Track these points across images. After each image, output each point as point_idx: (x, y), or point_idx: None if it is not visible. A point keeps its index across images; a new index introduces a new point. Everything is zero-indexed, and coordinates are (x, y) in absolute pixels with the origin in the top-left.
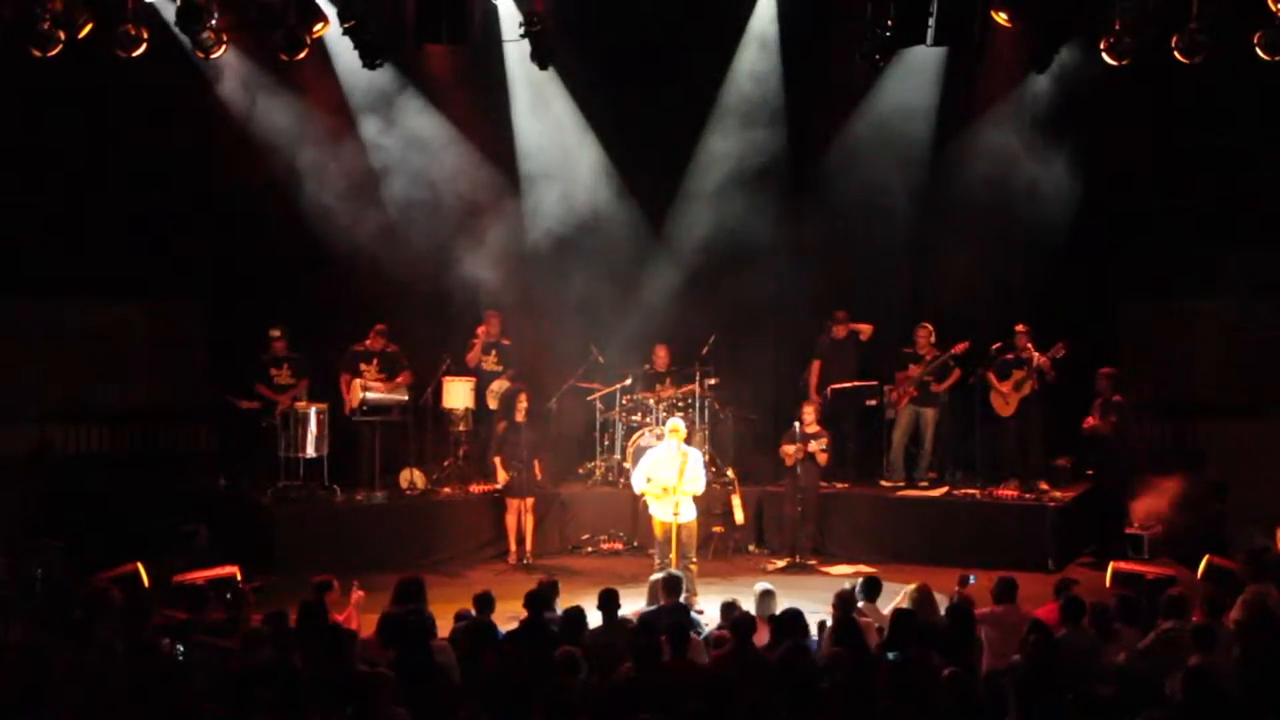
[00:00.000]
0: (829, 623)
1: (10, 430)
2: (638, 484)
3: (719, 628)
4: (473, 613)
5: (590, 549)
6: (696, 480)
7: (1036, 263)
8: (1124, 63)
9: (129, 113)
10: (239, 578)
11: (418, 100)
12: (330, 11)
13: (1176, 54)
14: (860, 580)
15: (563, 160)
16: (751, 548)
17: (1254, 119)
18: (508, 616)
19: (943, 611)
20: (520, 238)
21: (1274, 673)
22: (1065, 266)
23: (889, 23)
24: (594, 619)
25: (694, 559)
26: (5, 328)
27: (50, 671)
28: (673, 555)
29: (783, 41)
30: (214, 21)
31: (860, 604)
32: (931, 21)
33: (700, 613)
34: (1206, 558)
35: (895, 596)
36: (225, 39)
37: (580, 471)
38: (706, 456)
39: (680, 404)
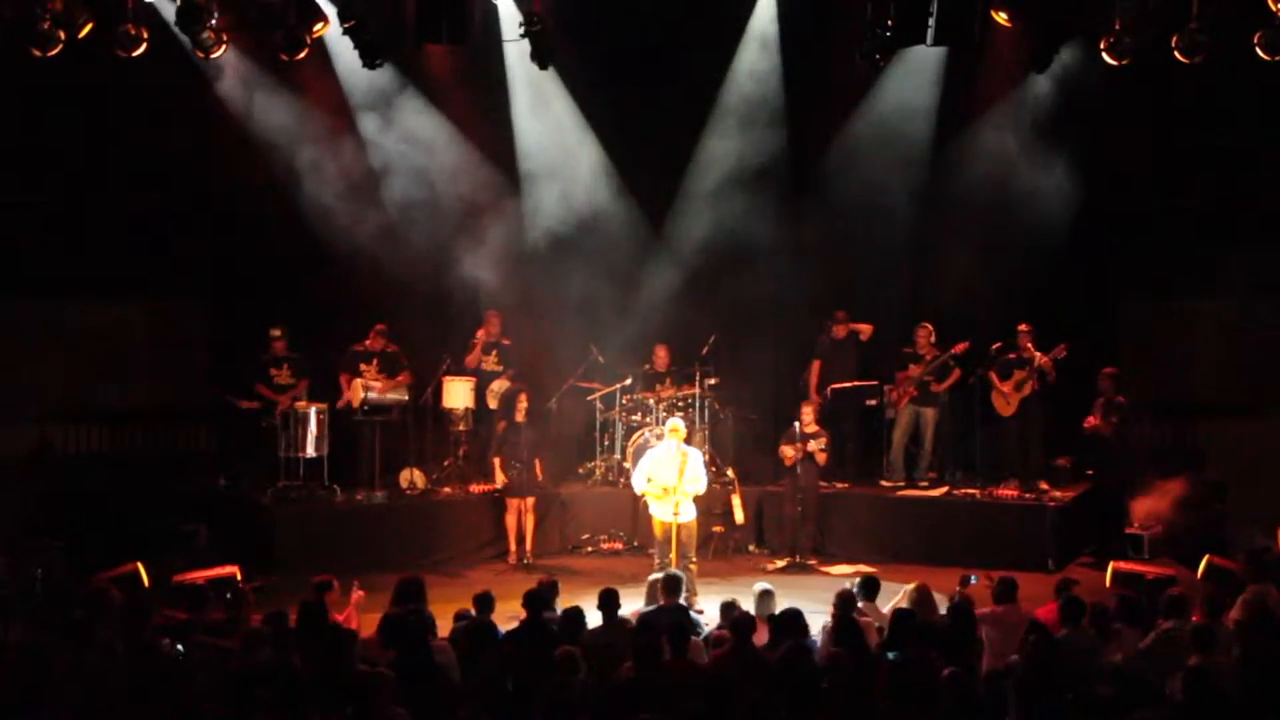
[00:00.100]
0: (828, 622)
1: (10, 430)
2: (638, 484)
3: (719, 628)
4: (473, 613)
5: (590, 549)
6: (697, 480)
7: (1036, 263)
8: (1124, 63)
9: (129, 113)
10: (239, 578)
11: (418, 100)
12: (330, 11)
13: (1176, 54)
14: (858, 580)
15: (563, 160)
16: (751, 548)
17: (1254, 119)
18: (508, 616)
19: (942, 611)
20: (520, 237)
21: (1274, 673)
22: (1065, 266)
23: (889, 23)
24: (594, 619)
25: (694, 559)
26: (5, 328)
27: (50, 671)
28: (673, 555)
29: (783, 41)
30: (214, 21)
31: (860, 604)
32: (931, 21)
33: (700, 613)
34: (1206, 558)
35: (894, 596)
36: (225, 39)
37: (580, 471)
38: (706, 456)
39: (680, 404)
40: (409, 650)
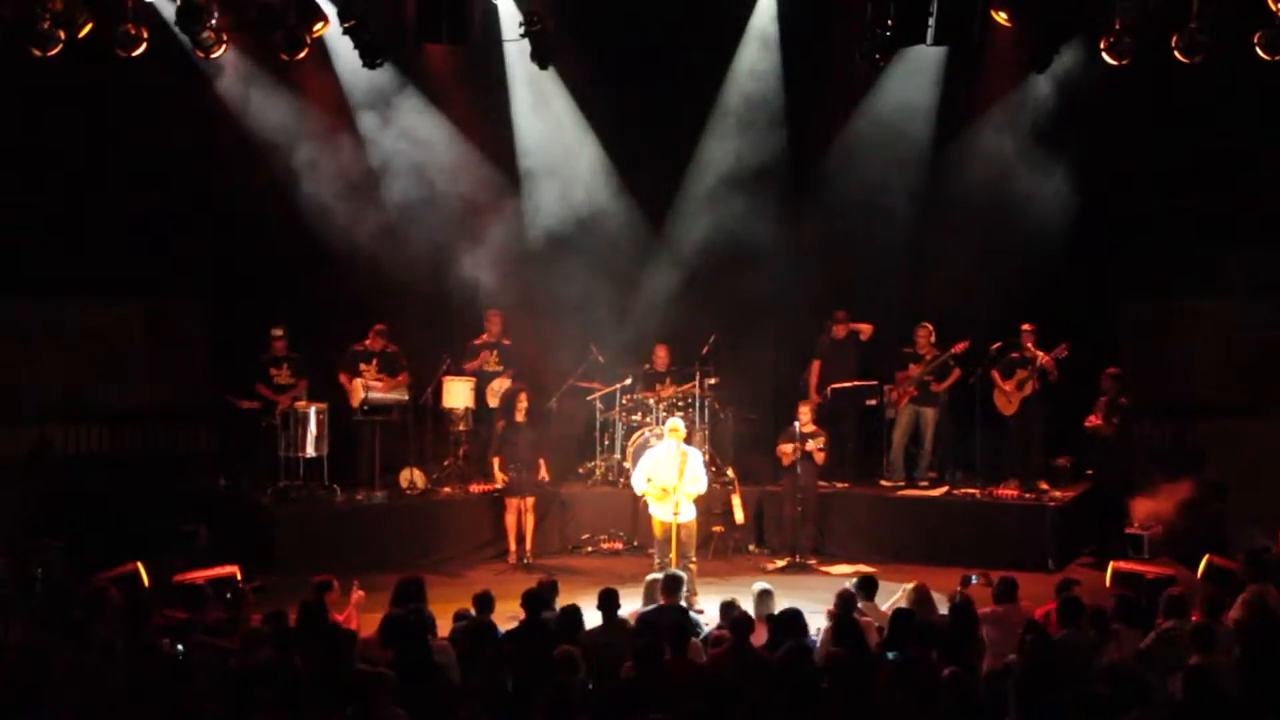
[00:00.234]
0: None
1: (10, 430)
2: (638, 485)
3: (718, 627)
4: (473, 613)
5: (590, 549)
6: (697, 480)
7: (1036, 262)
8: (1124, 63)
9: (129, 113)
10: (239, 578)
11: (418, 100)
12: (330, 11)
13: (1176, 54)
14: (856, 579)
15: (563, 160)
16: (751, 547)
17: (1254, 119)
18: (508, 616)
19: (941, 611)
20: (520, 237)
21: (1274, 673)
22: (1065, 266)
23: (889, 22)
24: (594, 619)
25: (694, 559)
26: (5, 328)
27: (50, 671)
28: (673, 555)
29: (783, 41)
30: (214, 21)
31: (860, 604)
32: (931, 21)
33: (700, 612)
34: (1206, 558)
35: (892, 596)
36: (225, 38)
37: (580, 471)
38: (706, 456)
39: (680, 404)
40: (409, 650)
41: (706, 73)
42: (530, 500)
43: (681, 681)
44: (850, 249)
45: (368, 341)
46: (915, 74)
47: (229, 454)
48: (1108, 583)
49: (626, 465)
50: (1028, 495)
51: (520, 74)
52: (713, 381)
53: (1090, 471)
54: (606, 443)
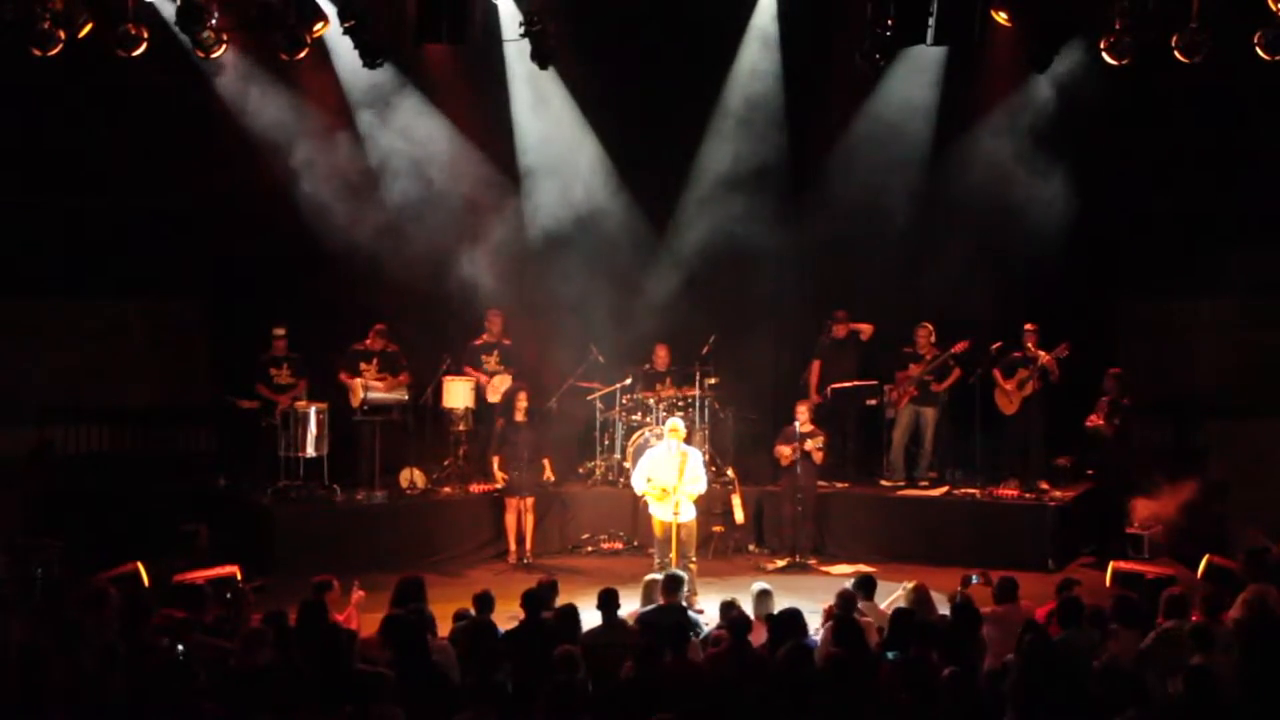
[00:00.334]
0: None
1: (10, 430)
2: (638, 485)
3: (718, 627)
4: (473, 613)
5: (590, 549)
6: (697, 480)
7: (1037, 262)
8: (1124, 63)
9: (129, 113)
10: (239, 578)
11: (418, 100)
12: (330, 11)
13: (1176, 54)
14: (854, 579)
15: (563, 160)
16: (751, 547)
17: (1254, 119)
18: (507, 616)
19: (940, 611)
20: (520, 237)
21: (1274, 673)
22: (1066, 266)
23: (889, 22)
24: (593, 619)
25: (694, 559)
26: (5, 328)
27: (50, 671)
28: (673, 555)
29: (783, 41)
30: (214, 21)
31: (860, 604)
32: (931, 21)
33: (700, 612)
34: (1206, 558)
35: (890, 595)
36: (225, 38)
37: (580, 471)
38: (706, 456)
39: (680, 404)
40: (409, 650)
41: (707, 72)
42: (530, 500)
43: (681, 681)
44: (850, 249)
45: (368, 341)
46: (915, 74)
47: (229, 454)
48: (1108, 583)
49: (626, 465)
50: (1028, 495)
51: (520, 74)
52: (713, 381)
53: (1090, 471)
54: (606, 443)
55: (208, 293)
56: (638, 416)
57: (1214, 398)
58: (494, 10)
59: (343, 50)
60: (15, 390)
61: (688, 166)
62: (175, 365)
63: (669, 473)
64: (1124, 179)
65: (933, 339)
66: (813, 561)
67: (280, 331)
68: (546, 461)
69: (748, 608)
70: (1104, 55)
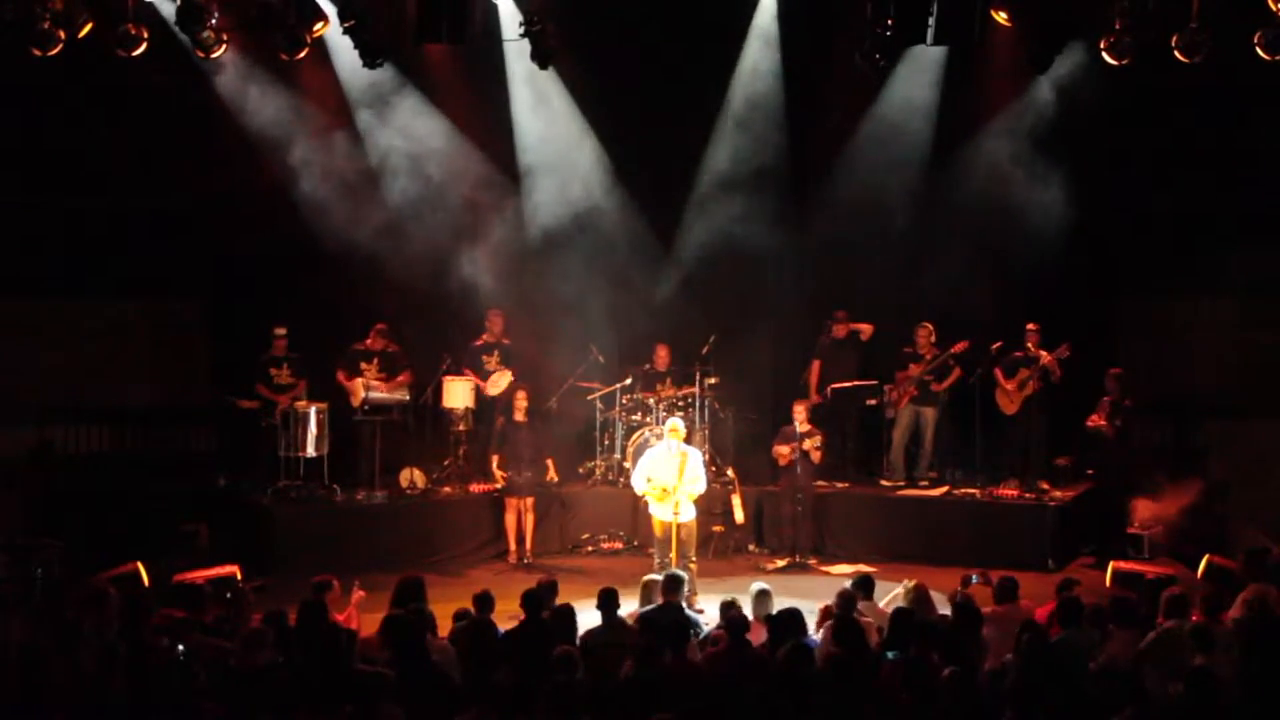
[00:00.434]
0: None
1: (10, 430)
2: (638, 485)
3: (718, 627)
4: (473, 613)
5: (590, 549)
6: (697, 480)
7: (1036, 262)
8: (1124, 62)
9: (129, 113)
10: (239, 578)
11: (418, 100)
12: (330, 11)
13: (1176, 54)
14: (853, 579)
15: (563, 159)
16: (751, 547)
17: (1254, 119)
18: (507, 616)
19: (940, 610)
20: (521, 237)
21: (1274, 673)
22: (1066, 266)
23: (889, 22)
24: (593, 619)
25: (694, 558)
26: (5, 328)
27: (50, 671)
28: (673, 555)
29: (784, 41)
30: (214, 21)
31: (860, 604)
32: (931, 21)
33: (700, 612)
34: (1206, 558)
35: (887, 594)
36: (225, 38)
37: (580, 471)
38: (706, 456)
39: (680, 404)
40: (409, 650)
41: (706, 72)
42: (530, 500)
43: (681, 681)
44: (850, 249)
45: (368, 341)
46: (916, 74)
47: (229, 454)
48: (1108, 583)
49: (626, 465)
50: (1028, 495)
51: (520, 74)
52: (713, 381)
53: (1090, 471)
54: (606, 443)
55: (208, 293)
56: (638, 416)
57: (1214, 398)
58: (494, 10)
59: (342, 50)
60: (15, 390)
61: (688, 166)
62: (175, 365)
63: (669, 473)
64: (1124, 179)
65: (933, 339)
66: (812, 561)
67: (281, 331)
68: (550, 462)
69: (747, 608)
70: (1104, 55)
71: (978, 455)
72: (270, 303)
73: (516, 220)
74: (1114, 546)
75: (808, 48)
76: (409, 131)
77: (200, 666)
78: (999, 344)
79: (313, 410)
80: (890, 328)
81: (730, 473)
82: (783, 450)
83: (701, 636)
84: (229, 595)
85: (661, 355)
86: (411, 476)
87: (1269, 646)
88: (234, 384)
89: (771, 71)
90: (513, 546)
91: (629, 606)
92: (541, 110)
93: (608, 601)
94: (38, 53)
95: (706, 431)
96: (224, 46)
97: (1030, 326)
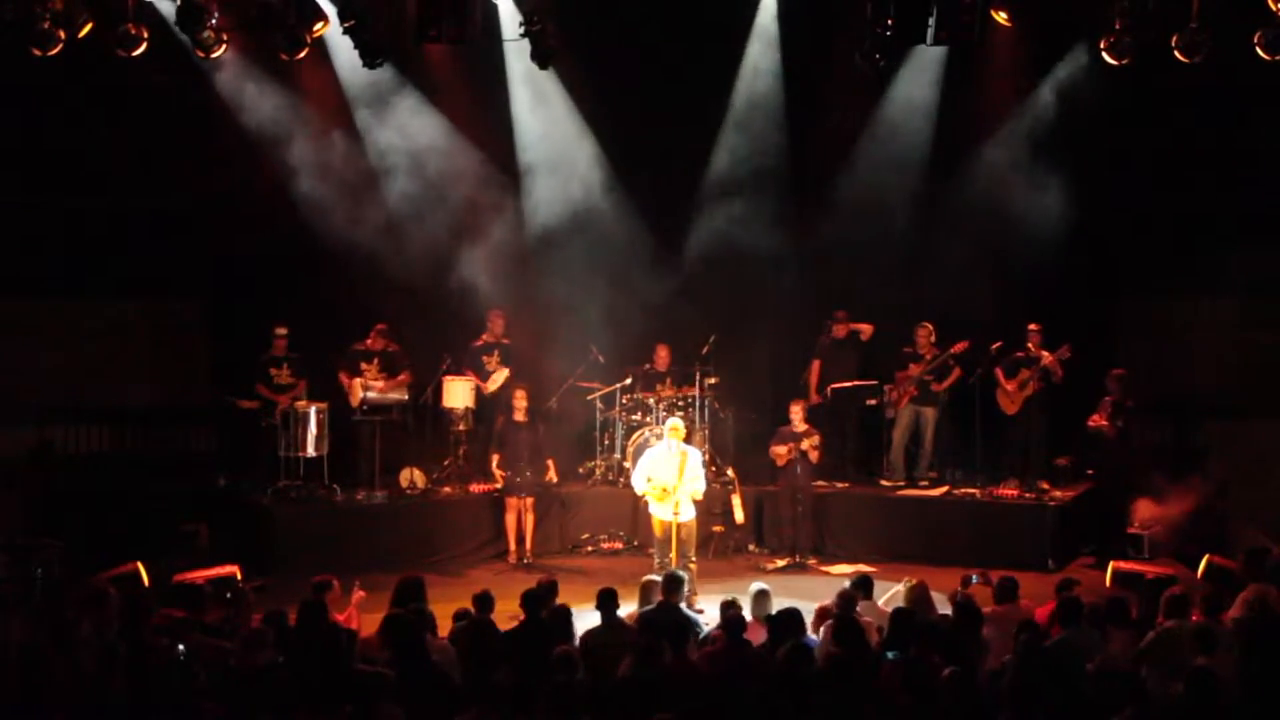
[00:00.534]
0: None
1: (10, 430)
2: (638, 485)
3: (718, 627)
4: (473, 612)
5: (590, 549)
6: (697, 480)
7: (1036, 262)
8: (1124, 62)
9: (129, 113)
10: (239, 578)
11: (418, 100)
12: (330, 11)
13: (1176, 54)
14: (852, 579)
15: (563, 159)
16: (751, 547)
17: (1254, 119)
18: (507, 616)
19: (940, 610)
20: (521, 238)
21: (1274, 673)
22: (1066, 266)
23: (889, 22)
24: (593, 619)
25: (694, 558)
26: (5, 328)
27: (50, 671)
28: (673, 555)
29: (784, 40)
30: (214, 21)
31: (860, 604)
32: (931, 21)
33: (700, 612)
34: (1206, 558)
35: (886, 594)
36: (225, 38)
37: (580, 471)
38: (706, 456)
39: (680, 404)
40: (409, 650)
41: (707, 72)
42: (530, 500)
43: (681, 681)
44: (850, 249)
45: (369, 341)
46: (916, 74)
47: (229, 454)
48: (1108, 583)
49: (626, 465)
50: (1028, 495)
51: (520, 74)
52: (713, 381)
53: (1090, 471)
54: (606, 443)
55: (208, 293)
56: (638, 416)
57: (1214, 398)
58: (494, 10)
59: (342, 50)
60: (15, 390)
61: (688, 166)
62: (175, 365)
63: (669, 472)
64: (1124, 179)
65: (933, 339)
66: (812, 561)
67: (282, 331)
68: (550, 462)
69: (747, 608)
70: (1104, 55)
71: (978, 455)
72: (270, 303)
73: (516, 220)
74: (1114, 546)
75: (808, 48)
76: (409, 131)
77: (200, 666)
78: (999, 344)
79: (313, 410)
80: (890, 328)
81: (730, 473)
82: (780, 450)
83: (701, 637)
84: (229, 595)
85: (661, 355)
86: (411, 476)
87: (1269, 646)
88: (234, 384)
89: (771, 71)
90: (513, 546)
91: (630, 607)
92: (541, 110)
93: (607, 602)
94: (38, 53)
95: (706, 431)
96: (224, 46)
97: (1032, 327)
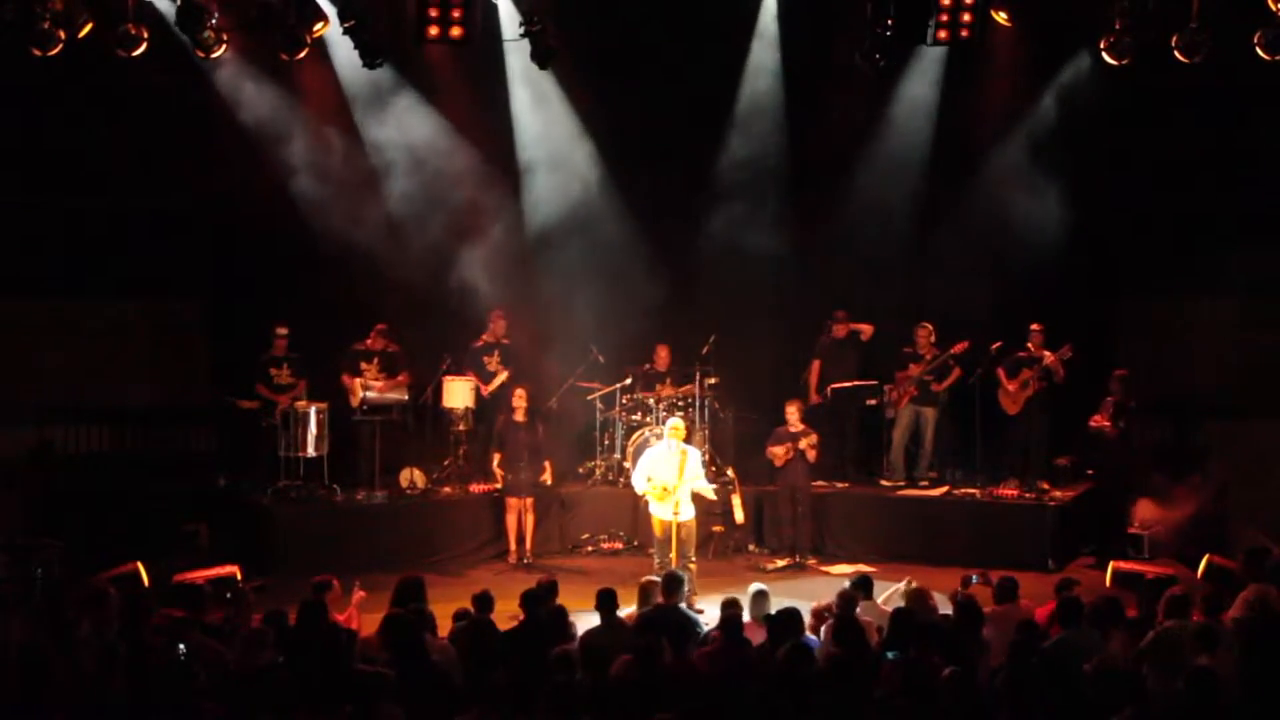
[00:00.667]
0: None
1: (10, 430)
2: (638, 485)
3: (716, 627)
4: (473, 613)
5: (590, 549)
6: (698, 480)
7: (1036, 262)
8: (1124, 62)
9: (129, 113)
10: (239, 578)
11: (418, 100)
12: (330, 11)
13: (1176, 54)
14: (852, 579)
15: (563, 159)
16: (751, 547)
17: (1254, 119)
18: (507, 616)
19: (940, 610)
20: (520, 238)
21: (1274, 673)
22: (1066, 266)
23: (889, 22)
24: (593, 619)
25: (693, 558)
26: (6, 327)
27: (50, 671)
28: (673, 555)
29: (785, 40)
30: (214, 21)
31: (860, 604)
32: (931, 21)
33: (700, 612)
34: (1206, 557)
35: (885, 594)
36: (225, 38)
37: (580, 471)
38: (706, 456)
39: (680, 404)
40: (409, 650)
41: (707, 72)
42: (530, 500)
43: (681, 681)
44: (850, 249)
45: (369, 341)
46: (916, 73)
47: (229, 454)
48: (1108, 583)
49: (626, 465)
50: (1028, 495)
51: (520, 74)
52: (713, 381)
53: (1090, 471)
54: (606, 443)
55: (208, 293)
56: (638, 416)
57: (1214, 398)
58: (494, 10)
59: (342, 50)
60: (15, 390)
61: (688, 166)
62: (175, 365)
63: (669, 472)
64: (1124, 179)
65: (933, 339)
66: (812, 561)
67: (283, 330)
68: (547, 463)
69: (746, 609)
70: (1104, 55)
71: (978, 455)
72: (270, 303)
73: (516, 220)
74: (1114, 546)
75: (808, 48)
76: (408, 131)
77: (200, 666)
78: (999, 344)
79: (313, 410)
80: (890, 328)
81: (730, 473)
82: (777, 451)
83: (701, 637)
84: (229, 595)
85: (661, 355)
86: (411, 476)
87: (1269, 646)
88: (234, 384)
89: (772, 71)
90: (513, 546)
91: (629, 607)
92: (541, 110)
93: (607, 602)
94: (38, 53)
95: (706, 431)
96: (224, 46)
97: (1034, 327)
